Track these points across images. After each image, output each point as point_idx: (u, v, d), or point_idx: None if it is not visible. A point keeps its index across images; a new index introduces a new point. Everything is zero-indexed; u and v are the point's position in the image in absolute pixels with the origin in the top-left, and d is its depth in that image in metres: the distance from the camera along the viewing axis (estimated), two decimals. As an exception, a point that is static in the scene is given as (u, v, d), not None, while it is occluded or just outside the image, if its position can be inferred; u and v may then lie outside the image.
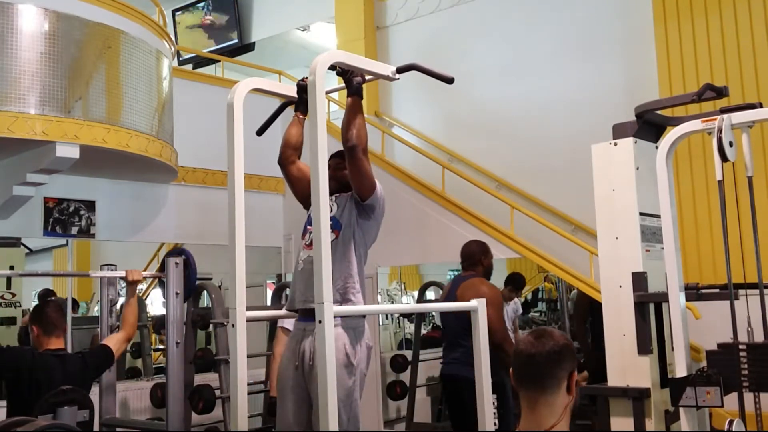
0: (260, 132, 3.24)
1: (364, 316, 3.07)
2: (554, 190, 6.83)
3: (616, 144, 3.59)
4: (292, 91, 3.14)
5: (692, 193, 5.86)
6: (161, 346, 7.14)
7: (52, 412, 3.40)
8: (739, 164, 3.11)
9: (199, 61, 10.14)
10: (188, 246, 5.64)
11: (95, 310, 8.51)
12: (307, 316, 2.95)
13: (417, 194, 6.49)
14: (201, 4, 10.53)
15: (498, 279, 5.46)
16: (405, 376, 6.68)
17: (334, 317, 2.28)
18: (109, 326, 4.63)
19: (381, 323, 8.13)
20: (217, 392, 4.89)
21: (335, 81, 3.06)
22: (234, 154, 2.63)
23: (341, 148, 2.99)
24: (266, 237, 7.12)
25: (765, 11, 5.79)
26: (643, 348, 3.38)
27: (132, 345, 7.13)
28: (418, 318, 6.87)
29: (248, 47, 10.25)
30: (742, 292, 3.08)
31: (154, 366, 7.27)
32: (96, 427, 4.05)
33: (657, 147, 3.31)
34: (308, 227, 3.08)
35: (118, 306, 4.83)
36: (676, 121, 3.50)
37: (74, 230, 5.82)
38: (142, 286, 8.82)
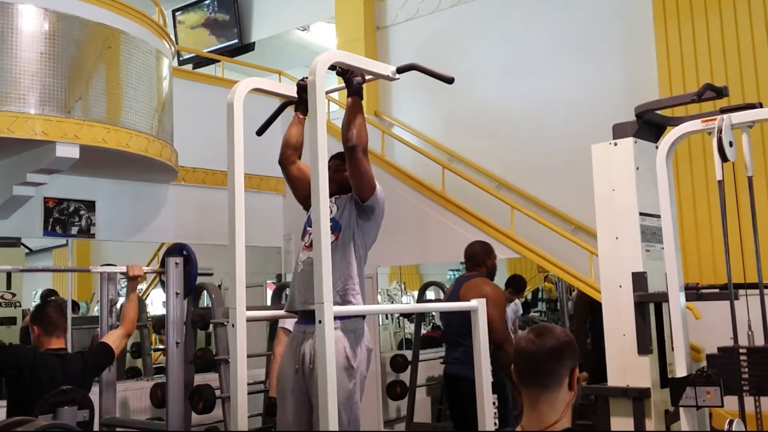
0: (260, 132, 3.24)
1: (363, 318, 3.06)
2: (554, 190, 6.82)
3: (616, 144, 3.60)
4: (292, 91, 3.13)
5: (692, 193, 5.85)
6: (161, 346, 7.13)
7: (52, 412, 3.40)
8: (739, 164, 3.11)
9: (199, 61, 10.14)
10: (188, 246, 5.64)
11: (95, 310, 8.50)
12: (307, 318, 2.95)
13: (417, 194, 6.49)
14: (205, 3, 10.53)
15: (499, 280, 5.45)
16: (405, 376, 6.67)
17: (334, 320, 2.27)
18: (109, 325, 4.62)
19: (381, 323, 8.12)
20: (217, 392, 4.88)
21: (335, 81, 3.05)
22: (234, 154, 2.63)
23: (341, 148, 2.98)
24: (266, 237, 7.12)
25: (765, 11, 5.79)
26: (643, 348, 3.38)
27: (132, 345, 7.13)
28: (418, 318, 6.86)
29: (248, 47, 10.24)
30: (742, 292, 3.08)
31: (154, 366, 7.26)
32: (96, 427, 4.05)
33: (657, 147, 3.31)
34: (308, 228, 3.08)
35: (118, 306, 4.83)
36: (676, 121, 3.50)
37: (74, 230, 5.82)
38: (142, 286, 8.83)
